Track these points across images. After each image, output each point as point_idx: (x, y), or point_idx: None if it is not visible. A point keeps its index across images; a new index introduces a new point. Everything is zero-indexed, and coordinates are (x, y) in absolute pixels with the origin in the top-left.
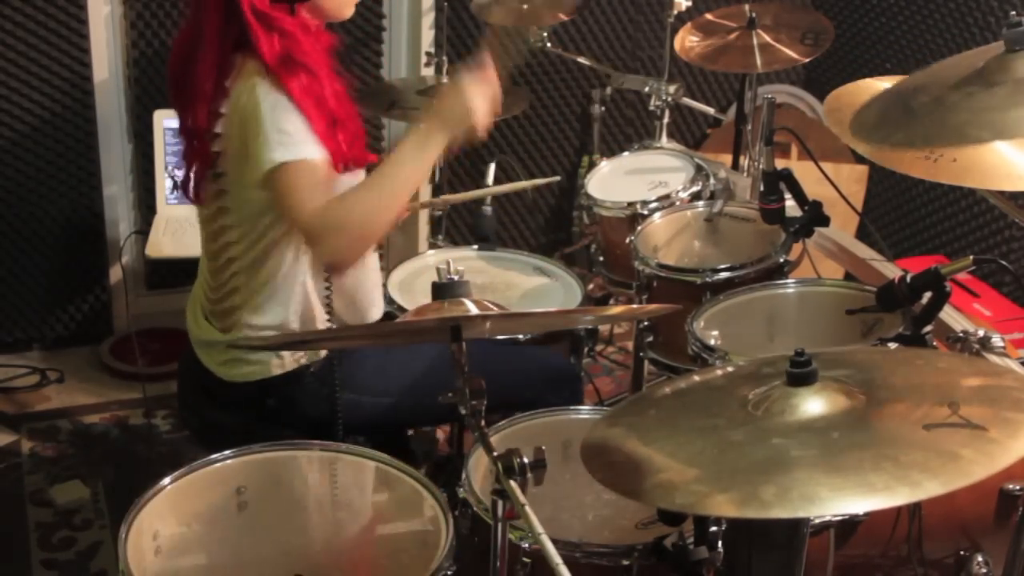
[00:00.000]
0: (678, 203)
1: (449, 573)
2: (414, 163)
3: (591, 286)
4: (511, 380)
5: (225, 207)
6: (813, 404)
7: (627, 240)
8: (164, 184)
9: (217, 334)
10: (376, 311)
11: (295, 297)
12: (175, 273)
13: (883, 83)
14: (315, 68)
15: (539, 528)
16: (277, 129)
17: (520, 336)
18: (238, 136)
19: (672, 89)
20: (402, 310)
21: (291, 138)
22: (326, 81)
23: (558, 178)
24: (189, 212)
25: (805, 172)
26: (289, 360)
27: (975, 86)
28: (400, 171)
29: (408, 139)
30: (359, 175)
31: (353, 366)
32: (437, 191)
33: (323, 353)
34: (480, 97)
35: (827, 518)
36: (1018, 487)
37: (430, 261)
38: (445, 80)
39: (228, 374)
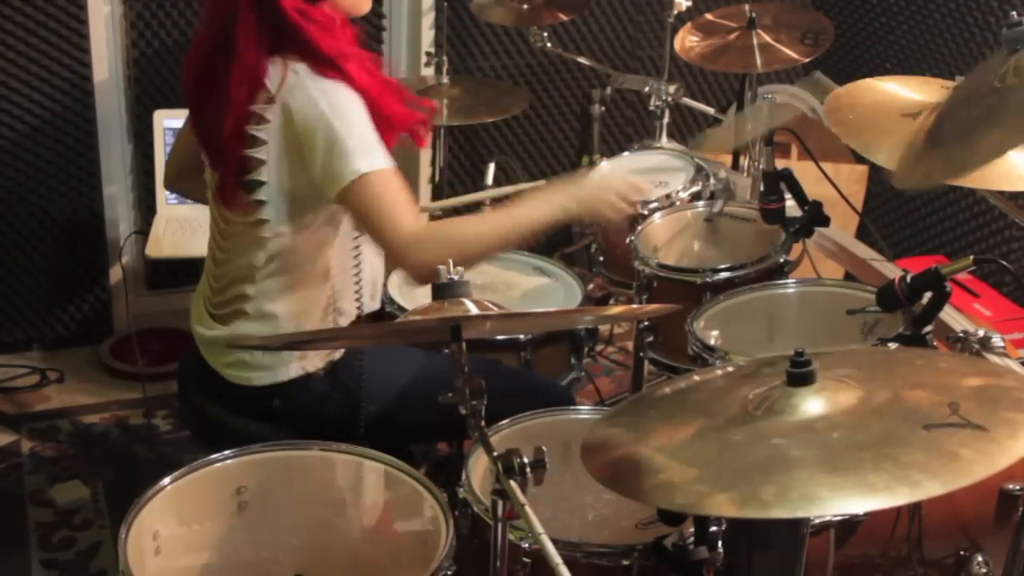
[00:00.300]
0: (678, 203)
1: (449, 573)
2: (530, 212)
3: (591, 286)
4: (507, 406)
5: (262, 217)
6: (813, 404)
7: (627, 240)
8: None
9: (223, 331)
10: (376, 303)
11: (316, 306)
12: (175, 273)
13: (883, 83)
14: (361, 56)
15: (539, 528)
16: (350, 136)
17: (521, 336)
18: (296, 146)
19: (672, 89)
20: (402, 310)
21: (367, 146)
22: (373, 66)
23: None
24: (189, 212)
25: (805, 172)
26: (295, 367)
27: (993, 99)
28: (513, 213)
29: (535, 192)
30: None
31: (362, 375)
32: (438, 191)
33: (336, 356)
34: (619, 190)
35: (827, 518)
36: (1018, 487)
37: None
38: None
39: (235, 377)
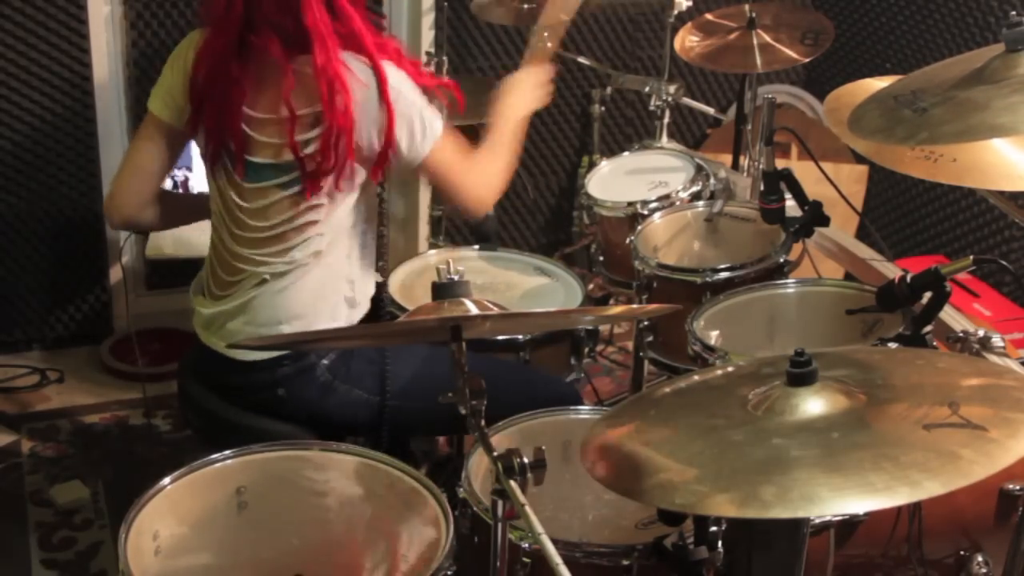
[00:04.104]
0: (678, 203)
1: (449, 573)
2: (513, 125)
3: (591, 286)
4: (512, 403)
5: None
6: (813, 404)
7: (627, 240)
8: (164, 184)
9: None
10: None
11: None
12: (175, 273)
13: (883, 83)
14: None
15: (539, 528)
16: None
17: (520, 336)
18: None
19: (672, 89)
20: (402, 310)
21: None
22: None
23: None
24: None
25: (805, 172)
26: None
27: (985, 84)
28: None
29: (502, 110)
30: None
31: (363, 365)
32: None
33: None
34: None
35: (827, 518)
36: (1018, 487)
37: (431, 261)
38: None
39: (240, 354)
